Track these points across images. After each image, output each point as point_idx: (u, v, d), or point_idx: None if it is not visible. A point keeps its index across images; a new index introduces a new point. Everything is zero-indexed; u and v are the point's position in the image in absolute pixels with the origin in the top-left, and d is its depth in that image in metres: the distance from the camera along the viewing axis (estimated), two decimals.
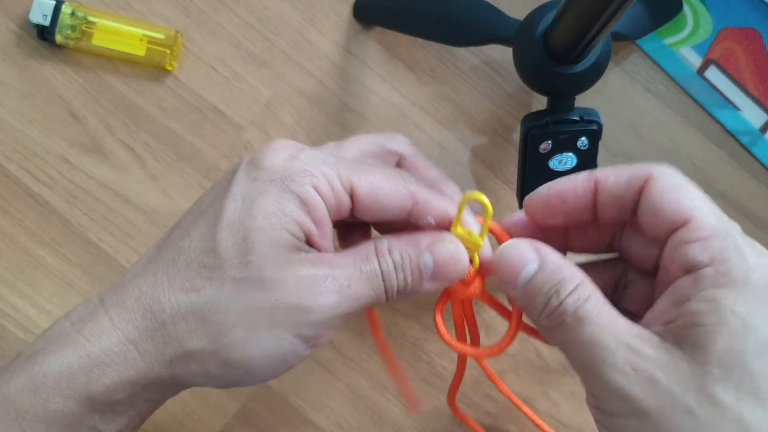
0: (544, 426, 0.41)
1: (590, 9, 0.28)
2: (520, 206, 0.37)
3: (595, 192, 0.26)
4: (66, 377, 0.25)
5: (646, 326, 0.24)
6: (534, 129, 0.35)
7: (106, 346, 0.25)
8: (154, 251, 0.28)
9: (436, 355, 0.43)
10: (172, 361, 0.25)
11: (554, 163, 0.36)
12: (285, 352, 0.26)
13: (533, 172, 0.36)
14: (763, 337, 0.22)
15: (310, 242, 0.27)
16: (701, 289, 0.22)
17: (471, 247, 0.28)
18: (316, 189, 0.26)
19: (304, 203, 0.26)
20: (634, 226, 0.27)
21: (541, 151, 0.35)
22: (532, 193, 0.27)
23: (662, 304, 0.24)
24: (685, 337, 0.22)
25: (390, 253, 0.27)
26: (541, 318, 0.25)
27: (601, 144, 0.36)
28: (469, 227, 0.28)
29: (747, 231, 0.43)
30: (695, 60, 0.43)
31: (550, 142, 0.35)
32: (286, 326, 0.25)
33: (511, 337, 0.28)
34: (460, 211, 0.27)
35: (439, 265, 0.27)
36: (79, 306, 0.28)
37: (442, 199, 0.28)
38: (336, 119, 0.43)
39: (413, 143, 0.33)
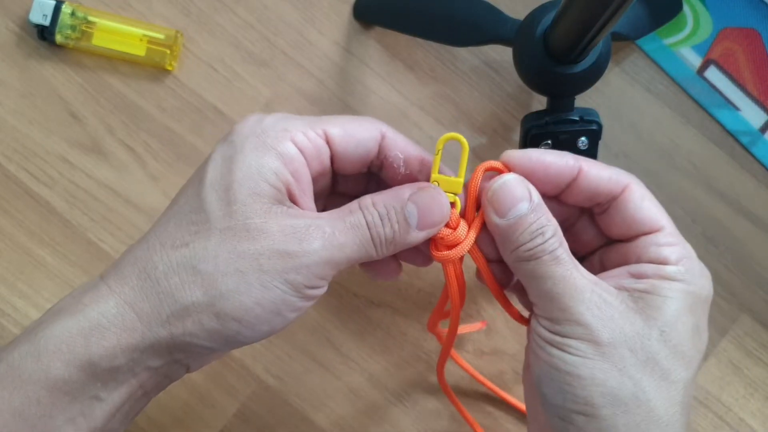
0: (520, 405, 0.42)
1: (590, 9, 0.28)
2: None
3: (576, 177, 0.30)
4: (66, 341, 0.26)
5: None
6: (534, 129, 0.35)
7: (103, 310, 0.26)
8: (149, 228, 0.29)
9: (436, 354, 0.43)
10: (168, 319, 0.26)
11: None
12: (276, 299, 0.26)
13: None
14: (696, 324, 0.29)
15: (291, 198, 0.28)
16: (664, 277, 0.28)
17: (452, 190, 0.30)
18: (292, 141, 0.28)
19: (281, 155, 0.28)
20: (590, 218, 0.32)
21: None
22: (518, 151, 0.30)
23: (619, 271, 0.29)
24: (641, 298, 0.28)
25: (374, 206, 0.28)
26: (520, 249, 0.28)
27: (601, 144, 0.36)
28: (444, 174, 0.30)
29: (746, 231, 0.44)
30: (695, 60, 0.43)
31: (549, 142, 0.35)
32: (273, 272, 0.26)
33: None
34: (438, 154, 0.29)
35: (423, 210, 0.29)
36: (82, 283, 0.28)
37: (407, 140, 0.31)
38: None
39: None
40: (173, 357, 0.27)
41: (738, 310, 0.44)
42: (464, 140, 0.29)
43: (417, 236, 0.29)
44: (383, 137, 0.30)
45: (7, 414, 0.25)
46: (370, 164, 0.31)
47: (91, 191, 0.42)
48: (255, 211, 0.26)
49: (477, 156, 0.43)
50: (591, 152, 0.36)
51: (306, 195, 0.29)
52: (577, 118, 0.35)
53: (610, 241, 0.32)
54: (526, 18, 0.35)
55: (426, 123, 0.43)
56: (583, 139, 0.35)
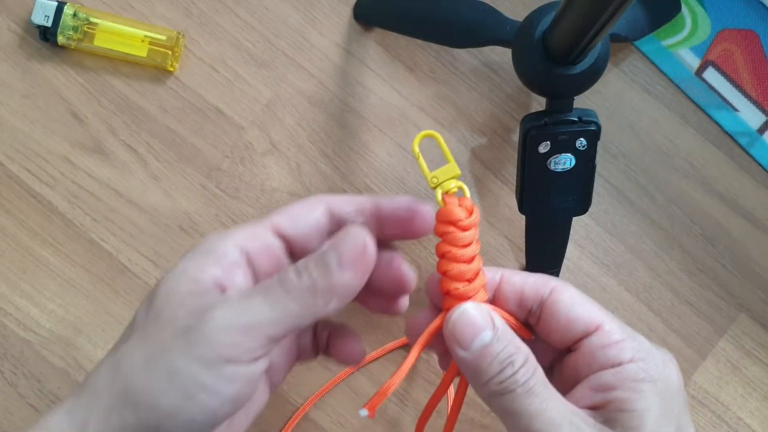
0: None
1: (589, 10, 0.28)
2: (520, 207, 0.38)
3: (498, 285, 0.29)
4: None
5: None
6: (533, 130, 0.35)
7: (46, 425, 0.26)
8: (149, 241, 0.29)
9: (436, 354, 0.43)
10: (98, 419, 0.25)
11: (553, 164, 0.36)
12: (184, 383, 0.25)
13: (532, 173, 0.36)
14: (678, 426, 0.26)
15: (221, 288, 0.27)
16: (627, 380, 0.26)
17: (452, 176, 0.29)
18: (235, 244, 0.27)
19: (213, 256, 0.27)
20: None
21: (540, 151, 0.36)
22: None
23: (582, 391, 0.27)
24: (616, 420, 0.26)
25: (290, 268, 0.27)
26: (490, 383, 0.27)
27: (599, 144, 0.36)
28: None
29: (744, 231, 0.44)
30: (693, 61, 0.43)
31: (549, 142, 0.35)
32: (177, 351, 0.25)
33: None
34: (418, 158, 0.29)
35: (340, 249, 0.27)
36: None
37: (346, 196, 0.30)
38: (336, 120, 0.43)
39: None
40: None
41: (736, 310, 0.44)
42: (436, 133, 0.29)
43: (343, 277, 0.27)
44: (327, 204, 0.29)
45: None
46: (328, 233, 0.30)
47: (92, 191, 0.43)
48: (169, 304, 0.26)
49: (477, 157, 0.43)
50: (590, 153, 0.36)
51: (240, 284, 0.27)
52: (576, 119, 0.35)
53: (561, 353, 0.30)
54: (526, 19, 0.35)
55: (426, 124, 0.43)
56: (581, 139, 0.36)
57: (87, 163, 0.42)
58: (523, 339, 0.29)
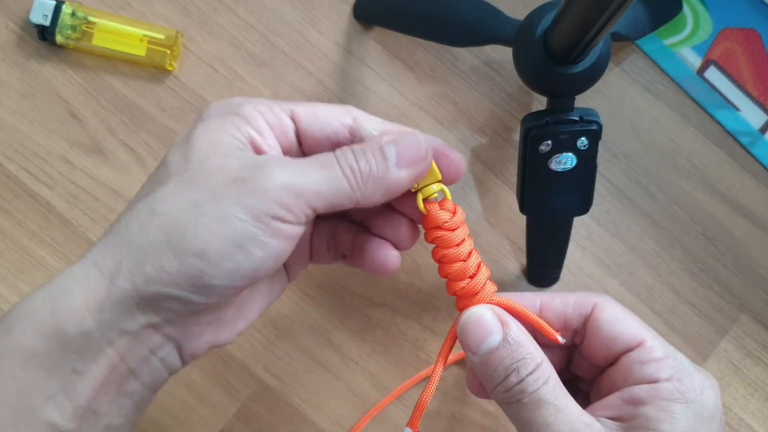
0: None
1: (590, 9, 0.28)
2: (520, 207, 0.38)
3: (539, 312, 0.29)
4: (33, 310, 0.24)
5: (593, 413, 0.26)
6: (534, 129, 0.35)
7: (69, 274, 0.25)
8: None
9: (436, 354, 0.43)
10: (129, 268, 0.24)
11: (554, 164, 0.36)
12: (236, 229, 0.24)
13: (533, 173, 0.36)
14: None
15: (257, 151, 0.27)
16: (660, 399, 0.25)
17: (434, 180, 0.29)
18: (255, 109, 0.27)
19: (242, 116, 0.27)
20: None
21: (541, 151, 0.35)
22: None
23: (613, 400, 0.27)
24: None
25: (348, 149, 0.27)
26: (497, 389, 0.26)
27: (601, 144, 0.36)
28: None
29: (746, 231, 0.44)
30: (695, 60, 0.43)
31: (549, 142, 0.35)
32: (229, 198, 0.24)
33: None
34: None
35: (401, 147, 0.27)
36: None
37: (378, 119, 0.29)
38: None
39: None
40: (148, 320, 0.25)
41: (738, 311, 0.44)
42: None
43: (398, 174, 0.27)
44: (355, 119, 0.29)
45: None
46: (339, 143, 0.29)
47: (91, 191, 0.42)
48: (215, 153, 0.25)
49: (477, 156, 0.43)
50: (591, 152, 0.36)
51: (273, 149, 0.27)
52: (577, 119, 0.35)
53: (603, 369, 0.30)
54: (526, 18, 0.35)
55: (426, 123, 0.43)
56: (582, 139, 0.35)
57: (85, 163, 0.42)
58: (551, 342, 0.29)
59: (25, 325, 0.24)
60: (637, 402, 0.26)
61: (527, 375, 0.26)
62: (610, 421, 0.26)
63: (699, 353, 0.43)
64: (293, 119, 0.28)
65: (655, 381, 0.26)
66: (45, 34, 0.41)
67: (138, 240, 0.24)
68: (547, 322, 0.29)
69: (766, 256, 0.43)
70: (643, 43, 0.43)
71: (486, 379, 0.27)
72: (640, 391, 0.26)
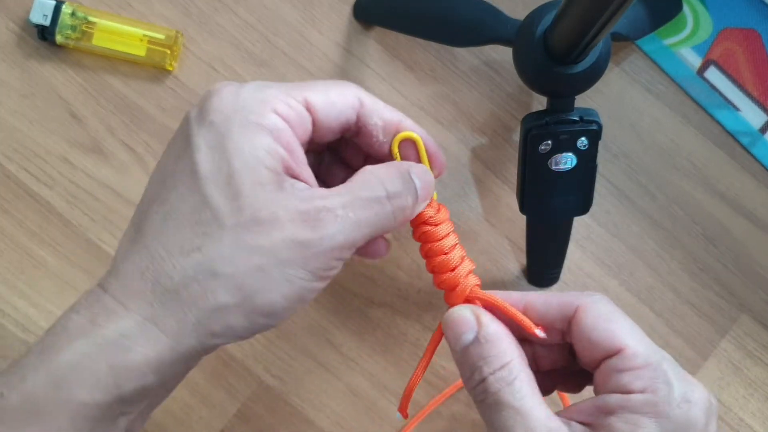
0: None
1: (590, 9, 0.28)
2: (520, 207, 0.38)
3: (523, 311, 0.28)
4: (88, 368, 0.24)
5: (568, 416, 0.26)
6: (534, 129, 0.35)
7: (123, 330, 0.24)
8: (133, 231, 0.27)
9: (436, 354, 0.43)
10: (195, 328, 0.25)
11: (554, 164, 0.36)
12: (300, 289, 0.26)
13: (533, 173, 0.36)
14: None
15: (289, 172, 0.27)
16: (628, 410, 0.25)
17: None
18: (276, 112, 0.26)
19: (269, 131, 0.26)
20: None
21: (541, 151, 0.35)
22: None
23: (588, 406, 0.26)
24: None
25: (391, 177, 0.28)
26: (467, 387, 0.27)
27: (601, 144, 0.36)
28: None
29: (746, 231, 0.43)
30: (695, 60, 0.43)
31: (550, 142, 0.35)
32: (293, 263, 0.25)
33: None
34: (395, 145, 0.30)
35: (422, 182, 0.28)
36: (81, 298, 0.26)
37: (385, 106, 0.30)
38: None
39: None
40: (201, 358, 0.27)
41: (738, 311, 0.44)
42: (417, 137, 0.30)
43: (419, 208, 0.29)
44: (362, 104, 0.29)
45: None
46: (346, 130, 0.30)
47: (91, 191, 0.42)
48: (262, 201, 0.25)
49: (477, 156, 0.43)
50: (591, 152, 0.36)
51: (302, 165, 0.27)
52: (577, 119, 0.35)
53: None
54: (526, 18, 0.35)
55: (426, 123, 0.43)
56: (582, 139, 0.35)
57: (85, 163, 0.42)
58: (534, 337, 0.29)
59: (77, 383, 0.24)
60: (607, 411, 0.25)
61: (489, 374, 0.26)
62: (580, 426, 0.26)
63: (699, 353, 0.43)
64: (308, 109, 0.28)
65: (628, 392, 0.25)
66: (45, 34, 0.41)
67: (203, 303, 0.25)
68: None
69: (766, 256, 0.43)
70: (643, 43, 0.43)
71: (461, 376, 0.27)
72: (611, 400, 0.25)
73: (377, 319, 0.43)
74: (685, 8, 0.42)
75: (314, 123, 0.28)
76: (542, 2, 0.35)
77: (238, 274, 0.25)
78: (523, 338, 0.29)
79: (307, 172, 0.27)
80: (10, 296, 0.42)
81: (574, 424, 0.26)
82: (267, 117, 0.26)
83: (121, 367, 0.24)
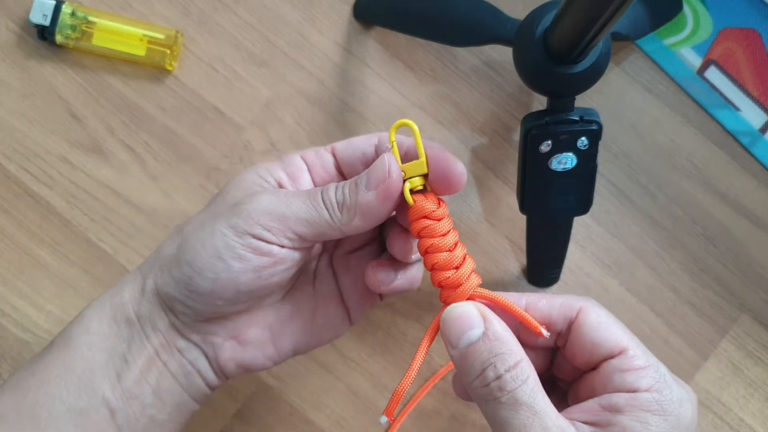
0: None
1: (590, 9, 0.28)
2: (521, 207, 0.38)
3: (525, 311, 0.29)
4: (98, 303, 0.31)
5: (570, 417, 0.26)
6: (534, 129, 0.35)
7: (127, 277, 0.32)
8: (150, 228, 0.38)
9: (436, 354, 0.43)
10: (154, 271, 0.30)
11: (554, 163, 0.36)
12: (217, 242, 0.28)
13: (533, 173, 0.36)
14: None
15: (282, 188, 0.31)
16: (637, 409, 0.25)
17: (419, 173, 0.30)
18: (299, 155, 0.32)
19: (282, 162, 0.32)
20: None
21: (541, 151, 0.35)
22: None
23: (591, 405, 0.27)
24: None
25: (333, 183, 0.31)
26: (474, 384, 0.26)
27: (601, 144, 0.36)
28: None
29: (746, 231, 0.44)
30: (695, 60, 0.43)
31: (550, 142, 0.35)
32: (220, 218, 0.29)
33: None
34: (393, 147, 0.30)
35: (370, 171, 0.29)
36: None
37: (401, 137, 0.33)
38: (336, 119, 0.43)
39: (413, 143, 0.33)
40: (170, 320, 0.30)
41: (738, 311, 0.44)
42: (412, 123, 0.30)
43: (367, 197, 0.29)
44: (379, 139, 0.32)
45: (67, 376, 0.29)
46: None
47: (91, 191, 0.42)
48: (236, 187, 0.31)
49: (477, 156, 0.43)
50: (591, 152, 0.36)
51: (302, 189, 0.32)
52: (577, 118, 0.35)
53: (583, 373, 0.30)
54: (526, 18, 0.35)
55: (426, 123, 0.43)
56: (583, 139, 0.35)
57: (85, 163, 0.42)
58: (533, 341, 0.28)
59: (92, 314, 0.30)
60: (614, 410, 0.26)
61: (505, 371, 0.26)
62: (585, 426, 0.26)
63: (699, 353, 0.43)
64: (332, 153, 0.33)
65: (634, 390, 0.26)
66: (45, 34, 0.41)
67: (164, 255, 0.30)
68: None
69: (766, 256, 0.43)
70: (643, 43, 0.43)
71: (464, 373, 0.27)
72: (618, 399, 0.26)
73: (377, 319, 0.43)
74: (685, 8, 0.42)
75: (337, 160, 0.33)
76: (542, 2, 0.35)
77: (188, 229, 0.30)
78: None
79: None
80: (9, 296, 0.42)
81: (578, 424, 0.26)
82: (289, 157, 0.33)
83: (116, 302, 0.30)
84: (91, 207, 0.42)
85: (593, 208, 0.38)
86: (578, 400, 0.28)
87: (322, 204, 0.29)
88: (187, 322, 0.30)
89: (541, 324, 0.28)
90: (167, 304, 0.30)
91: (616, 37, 0.38)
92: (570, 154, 0.36)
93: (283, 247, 0.29)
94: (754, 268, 0.43)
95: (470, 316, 0.27)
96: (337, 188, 0.30)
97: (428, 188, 0.30)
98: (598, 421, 0.26)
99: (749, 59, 0.43)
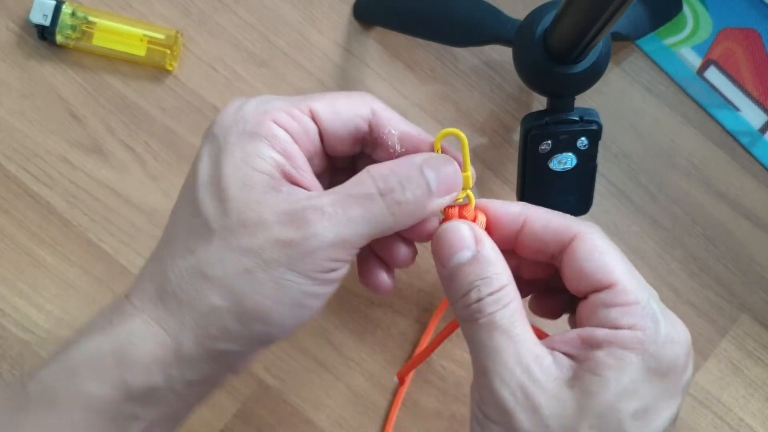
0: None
1: (590, 9, 0.28)
2: None
3: (522, 226, 0.28)
4: (98, 359, 0.25)
5: (550, 346, 0.26)
6: (534, 129, 0.35)
7: (132, 328, 0.25)
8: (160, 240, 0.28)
9: (436, 354, 0.43)
10: (193, 330, 0.25)
11: (554, 163, 0.36)
12: (293, 293, 0.25)
13: (533, 173, 0.36)
14: (643, 406, 0.24)
15: (289, 179, 0.26)
16: (615, 346, 0.25)
17: (463, 187, 0.29)
18: (276, 122, 0.26)
19: (266, 139, 0.26)
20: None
21: (541, 151, 0.36)
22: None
23: (572, 337, 0.26)
24: (582, 378, 0.24)
25: (389, 173, 0.26)
26: (457, 304, 0.26)
27: (601, 144, 0.36)
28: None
29: (746, 231, 0.44)
30: (695, 60, 0.43)
31: (550, 142, 0.35)
32: (279, 264, 0.25)
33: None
34: (438, 141, 0.28)
35: (440, 174, 0.27)
36: (109, 303, 0.28)
37: (401, 119, 0.29)
38: None
39: None
40: (210, 368, 0.26)
41: (738, 311, 0.44)
42: (462, 134, 0.28)
43: (435, 203, 0.27)
44: (374, 113, 0.28)
45: None
46: (362, 143, 0.29)
47: (91, 191, 0.42)
48: (249, 203, 0.25)
49: (477, 156, 0.43)
50: (591, 152, 0.36)
51: (303, 172, 0.27)
52: (577, 119, 0.35)
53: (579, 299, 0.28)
54: (526, 18, 0.35)
55: (426, 123, 0.43)
56: (582, 139, 0.35)
57: (85, 163, 0.42)
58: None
59: (87, 374, 0.25)
60: (593, 344, 0.25)
61: (487, 295, 0.25)
62: (564, 357, 0.25)
63: (699, 353, 0.43)
64: (314, 119, 0.27)
65: (616, 327, 0.25)
66: (45, 34, 0.41)
67: (198, 305, 0.25)
68: (525, 239, 0.28)
69: (766, 256, 0.43)
70: (643, 43, 0.43)
71: (449, 292, 0.27)
72: (598, 333, 0.25)
73: (377, 319, 0.43)
74: (685, 8, 0.42)
75: (321, 133, 0.28)
76: (542, 2, 0.35)
77: (227, 276, 0.25)
78: (510, 251, 0.29)
79: (310, 180, 0.27)
80: (10, 296, 0.42)
81: (557, 353, 0.26)
82: (264, 126, 0.26)
83: (128, 362, 0.25)
84: (91, 207, 0.42)
85: (593, 208, 0.39)
86: (575, 324, 0.27)
87: (386, 209, 0.26)
88: (233, 362, 0.28)
89: (534, 246, 0.28)
90: (214, 356, 0.26)
91: (616, 37, 0.38)
92: (570, 154, 0.36)
93: (349, 262, 0.27)
94: (754, 268, 0.44)
95: (463, 237, 0.27)
96: (403, 188, 0.26)
97: (470, 199, 0.29)
98: (576, 355, 0.25)
99: (749, 59, 0.43)
